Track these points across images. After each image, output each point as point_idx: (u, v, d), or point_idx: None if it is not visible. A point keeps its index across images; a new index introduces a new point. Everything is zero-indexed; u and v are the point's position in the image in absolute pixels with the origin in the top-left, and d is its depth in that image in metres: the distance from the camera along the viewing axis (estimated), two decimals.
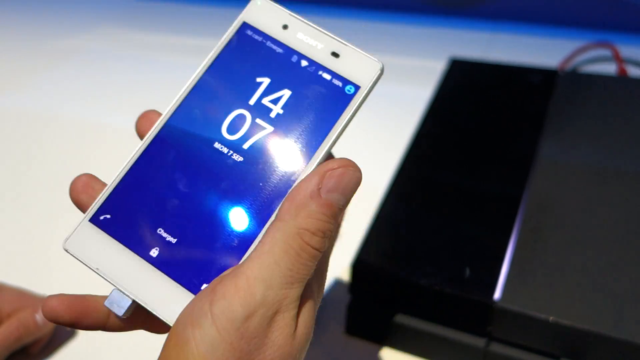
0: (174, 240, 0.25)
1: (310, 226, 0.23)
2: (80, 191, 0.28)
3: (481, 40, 0.76)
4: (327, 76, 0.27)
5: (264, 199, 0.26)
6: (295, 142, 0.27)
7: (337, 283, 0.47)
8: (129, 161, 0.27)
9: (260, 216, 0.25)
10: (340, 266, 0.46)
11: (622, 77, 0.56)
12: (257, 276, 0.22)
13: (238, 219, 0.26)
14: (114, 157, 0.66)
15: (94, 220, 0.27)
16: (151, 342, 0.46)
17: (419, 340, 0.40)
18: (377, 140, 0.63)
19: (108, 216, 0.26)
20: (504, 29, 0.79)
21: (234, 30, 0.29)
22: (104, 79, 0.82)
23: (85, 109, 0.75)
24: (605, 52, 0.65)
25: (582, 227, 0.38)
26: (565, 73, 0.53)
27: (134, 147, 0.27)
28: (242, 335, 0.21)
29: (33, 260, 0.54)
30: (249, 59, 0.28)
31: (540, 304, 0.34)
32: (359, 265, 0.39)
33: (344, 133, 0.27)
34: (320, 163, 0.26)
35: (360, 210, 0.44)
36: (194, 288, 0.25)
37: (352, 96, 0.27)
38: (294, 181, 0.26)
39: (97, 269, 0.26)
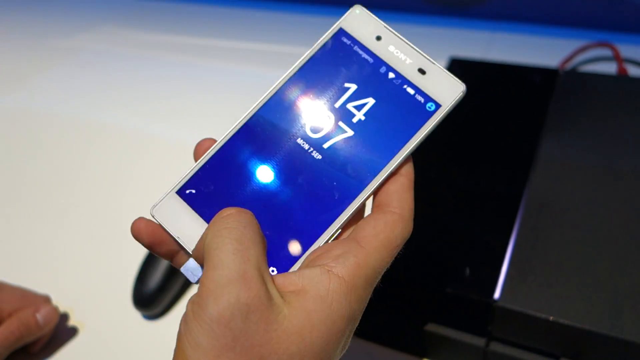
0: None
1: None
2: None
3: (481, 40, 0.76)
4: (411, 91, 0.29)
5: (333, 198, 0.28)
6: (372, 149, 0.28)
7: None
8: (217, 145, 0.29)
9: (326, 211, 0.27)
10: None
11: (622, 77, 0.56)
12: (209, 271, 0.23)
13: (306, 210, 0.27)
14: (114, 156, 0.67)
15: (180, 192, 0.29)
16: (152, 343, 0.46)
17: (418, 340, 0.40)
18: None
19: (193, 191, 0.28)
20: (504, 28, 0.79)
21: (331, 34, 0.30)
22: (104, 78, 0.82)
23: (86, 109, 0.75)
24: (605, 51, 0.65)
25: (582, 227, 0.38)
26: (566, 73, 0.53)
27: (223, 132, 0.29)
28: (220, 322, 0.22)
29: (34, 260, 0.54)
30: (340, 64, 0.30)
31: (540, 304, 0.34)
32: None
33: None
34: (391, 173, 0.28)
35: None
36: None
37: (432, 113, 0.28)
38: (364, 186, 0.27)
39: (178, 237, 0.27)
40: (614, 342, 0.33)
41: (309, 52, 0.30)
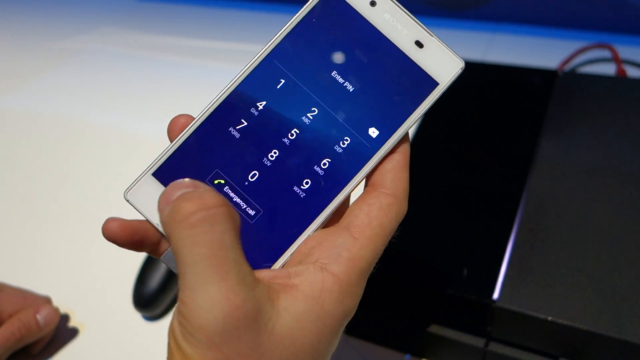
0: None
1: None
2: None
3: (480, 42, 0.76)
4: (407, 66, 0.27)
5: (325, 180, 0.26)
6: (365, 127, 0.26)
7: None
8: (196, 121, 0.27)
9: (319, 195, 0.26)
10: None
11: (621, 78, 0.57)
12: (187, 291, 0.21)
13: (297, 193, 0.26)
14: (115, 157, 0.67)
15: (157, 174, 0.27)
16: (152, 344, 0.46)
17: (418, 340, 0.40)
18: None
19: (171, 172, 0.27)
20: (503, 30, 0.79)
21: None
22: (105, 79, 0.82)
23: (86, 110, 0.76)
24: (604, 53, 0.65)
25: (581, 227, 0.38)
26: (565, 74, 0.53)
27: (201, 108, 0.27)
28: (210, 347, 0.21)
29: (34, 261, 0.54)
30: (329, 32, 0.27)
31: (538, 304, 0.34)
32: None
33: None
34: (387, 152, 0.26)
35: None
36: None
37: (428, 91, 0.27)
38: (357, 169, 0.26)
39: (157, 224, 0.26)
40: (613, 342, 0.33)
41: (295, 17, 0.27)
